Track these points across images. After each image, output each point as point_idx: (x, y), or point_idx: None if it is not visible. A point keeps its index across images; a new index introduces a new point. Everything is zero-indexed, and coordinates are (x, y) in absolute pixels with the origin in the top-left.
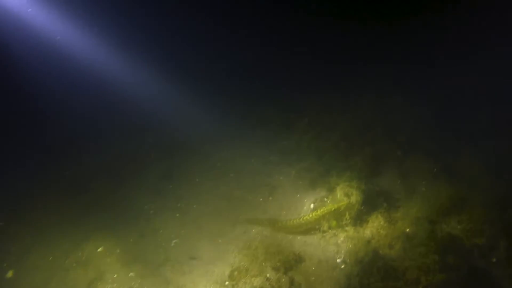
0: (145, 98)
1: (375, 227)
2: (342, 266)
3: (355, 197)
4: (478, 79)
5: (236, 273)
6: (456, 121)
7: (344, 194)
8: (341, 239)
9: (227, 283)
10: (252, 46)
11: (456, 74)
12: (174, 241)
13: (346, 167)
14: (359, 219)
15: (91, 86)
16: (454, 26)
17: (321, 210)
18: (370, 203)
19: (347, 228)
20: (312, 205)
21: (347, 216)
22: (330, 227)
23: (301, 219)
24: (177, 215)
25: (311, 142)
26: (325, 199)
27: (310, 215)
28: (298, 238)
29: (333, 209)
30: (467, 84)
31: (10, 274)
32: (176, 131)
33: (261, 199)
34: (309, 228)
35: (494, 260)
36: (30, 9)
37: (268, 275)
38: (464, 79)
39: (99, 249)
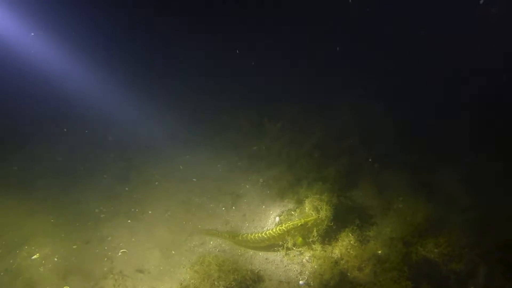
0: (108, 96)
1: (344, 246)
2: None
3: (325, 212)
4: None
5: None
6: (437, 133)
7: (313, 208)
8: (307, 258)
9: None
10: (225, 49)
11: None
12: (121, 251)
13: (318, 178)
14: (328, 236)
15: (42, 83)
16: None
17: (287, 224)
18: (341, 219)
19: (313, 246)
20: (277, 218)
21: (314, 232)
22: (295, 244)
23: (264, 233)
24: (129, 221)
25: (282, 148)
26: (293, 212)
27: (274, 230)
28: (260, 254)
29: (299, 224)
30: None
31: None
32: (138, 130)
33: (223, 208)
34: (272, 244)
35: None
36: None
37: None
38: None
39: (34, 256)
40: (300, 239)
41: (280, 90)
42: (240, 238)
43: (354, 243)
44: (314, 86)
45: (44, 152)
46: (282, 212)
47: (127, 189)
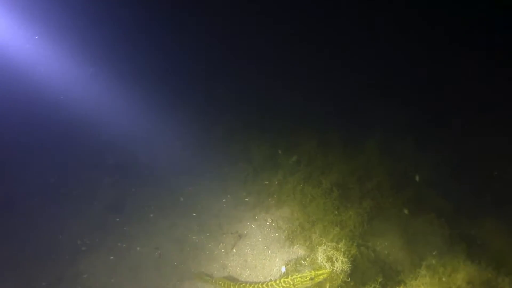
0: (114, 115)
1: None
2: None
3: (340, 264)
4: None
5: None
6: (486, 177)
7: (327, 259)
8: None
9: None
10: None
11: None
12: None
13: (335, 222)
14: None
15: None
16: None
17: (294, 276)
18: (361, 275)
19: None
20: (283, 268)
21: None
22: None
23: (266, 285)
24: (112, 257)
25: (297, 185)
26: (302, 262)
27: (279, 281)
28: None
29: (309, 277)
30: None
31: None
32: (141, 155)
33: (222, 251)
34: None
35: None
36: None
37: None
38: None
39: None
40: None
41: (297, 118)
42: (241, 286)
43: None
44: (336, 117)
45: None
46: (290, 261)
47: (117, 219)
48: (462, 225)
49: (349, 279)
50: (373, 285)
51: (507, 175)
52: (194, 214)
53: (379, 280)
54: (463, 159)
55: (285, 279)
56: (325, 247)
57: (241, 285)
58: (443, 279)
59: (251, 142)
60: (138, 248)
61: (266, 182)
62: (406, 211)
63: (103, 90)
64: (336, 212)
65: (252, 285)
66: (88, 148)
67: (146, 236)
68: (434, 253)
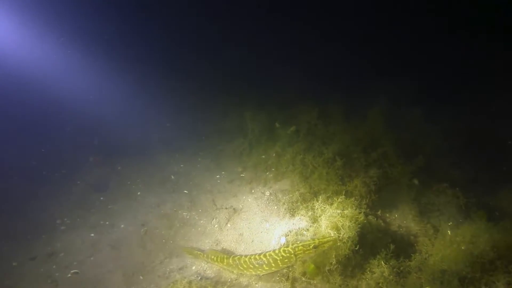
0: (99, 92)
1: (374, 279)
2: None
3: (348, 231)
4: None
5: None
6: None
7: (332, 226)
8: None
9: None
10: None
11: None
12: (72, 271)
13: (340, 192)
14: (351, 265)
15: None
16: None
17: (295, 245)
18: (370, 244)
19: (331, 278)
20: (283, 239)
21: (333, 259)
22: (305, 274)
23: (263, 256)
24: (92, 235)
25: (296, 156)
26: (304, 232)
27: (278, 251)
28: (256, 286)
29: (312, 245)
30: None
31: None
32: (130, 133)
33: (215, 226)
34: (275, 272)
35: None
36: None
37: None
38: None
39: None
40: (313, 266)
41: (295, 90)
42: (231, 261)
43: (389, 275)
44: (337, 86)
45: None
46: (291, 231)
47: (102, 198)
48: (478, 195)
49: (357, 247)
50: (385, 254)
51: None
52: (185, 191)
53: (391, 248)
54: (475, 129)
55: (285, 249)
56: (329, 214)
57: (235, 257)
58: (462, 247)
59: (246, 116)
60: (122, 226)
61: (263, 156)
62: (416, 181)
63: (88, 69)
64: (340, 182)
65: (248, 256)
66: (74, 128)
67: (132, 213)
68: (449, 224)
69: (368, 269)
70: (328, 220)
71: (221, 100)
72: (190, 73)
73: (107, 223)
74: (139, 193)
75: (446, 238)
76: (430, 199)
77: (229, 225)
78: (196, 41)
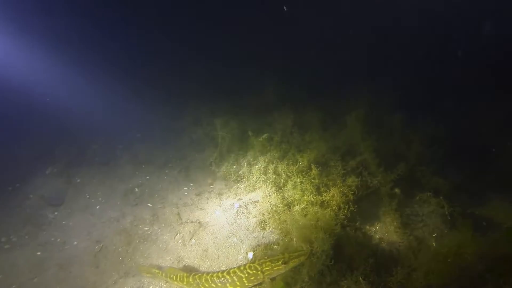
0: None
1: None
2: None
3: (321, 244)
4: None
5: None
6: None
7: (304, 239)
8: None
9: None
10: None
11: None
12: None
13: (316, 203)
14: (326, 283)
15: None
16: None
17: (262, 260)
18: (347, 258)
19: None
20: (250, 254)
21: (305, 275)
22: None
23: (227, 274)
24: (39, 253)
25: (269, 164)
26: (275, 247)
27: (243, 268)
28: None
29: (281, 260)
30: None
31: None
32: (92, 142)
33: (179, 241)
34: None
35: None
36: None
37: None
38: None
39: None
40: (282, 284)
41: (270, 97)
42: (191, 280)
43: None
44: (312, 90)
45: None
46: (259, 246)
47: (56, 213)
48: (464, 205)
49: (332, 262)
50: (363, 269)
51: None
52: (149, 205)
53: (370, 262)
54: (458, 137)
55: (251, 265)
56: (302, 226)
57: (196, 276)
58: (448, 260)
59: (217, 124)
60: (75, 243)
61: (234, 166)
62: (397, 191)
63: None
64: (316, 192)
65: (210, 274)
66: (33, 137)
67: (87, 229)
68: (434, 235)
69: (345, 286)
70: (300, 233)
71: (192, 108)
72: (160, 81)
73: (58, 240)
74: (98, 207)
75: (430, 251)
76: (413, 209)
77: (193, 240)
78: (170, 49)
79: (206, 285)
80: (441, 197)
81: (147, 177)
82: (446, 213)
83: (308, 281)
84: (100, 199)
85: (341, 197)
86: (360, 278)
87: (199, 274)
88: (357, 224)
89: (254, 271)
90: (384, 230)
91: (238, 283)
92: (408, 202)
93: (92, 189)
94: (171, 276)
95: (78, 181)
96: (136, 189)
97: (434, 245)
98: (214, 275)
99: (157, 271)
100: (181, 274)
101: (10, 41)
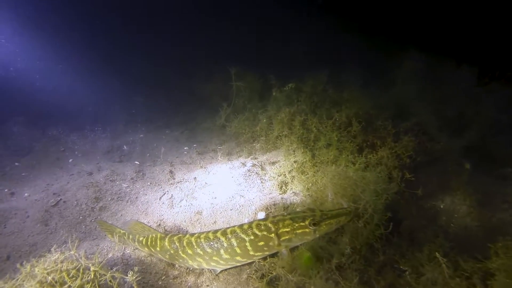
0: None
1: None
2: None
3: (371, 199)
4: None
5: None
6: None
7: (344, 193)
8: None
9: None
10: None
11: None
12: None
13: (357, 164)
14: (378, 262)
15: None
16: None
17: (278, 218)
18: (409, 231)
19: (340, 280)
20: (261, 214)
21: (346, 246)
22: (294, 268)
23: (221, 235)
24: None
25: (295, 116)
26: (298, 210)
27: (246, 227)
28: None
29: (308, 220)
30: None
31: None
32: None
33: (165, 202)
34: (239, 266)
35: None
36: None
37: None
38: None
39: None
40: (308, 255)
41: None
42: (167, 244)
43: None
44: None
45: None
46: (275, 205)
47: (17, 164)
48: None
49: (390, 229)
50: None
51: None
52: (136, 162)
53: (439, 242)
54: None
55: (260, 222)
56: (344, 174)
57: (174, 237)
58: None
59: (232, 74)
60: (26, 194)
61: (249, 121)
62: (467, 166)
63: None
64: (358, 154)
65: (196, 235)
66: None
67: (48, 181)
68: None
69: (409, 270)
70: (341, 183)
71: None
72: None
73: (6, 190)
74: (71, 160)
75: None
76: (492, 186)
77: (185, 201)
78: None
79: (189, 251)
80: None
81: (141, 135)
82: None
83: (350, 255)
84: (76, 153)
85: (393, 160)
86: (437, 254)
87: (179, 235)
88: (419, 192)
89: (265, 233)
90: (453, 208)
91: (238, 250)
92: (483, 178)
93: (69, 142)
94: (138, 237)
95: (53, 133)
96: (125, 147)
97: None
98: (202, 236)
99: (122, 231)
100: (153, 236)
101: None
